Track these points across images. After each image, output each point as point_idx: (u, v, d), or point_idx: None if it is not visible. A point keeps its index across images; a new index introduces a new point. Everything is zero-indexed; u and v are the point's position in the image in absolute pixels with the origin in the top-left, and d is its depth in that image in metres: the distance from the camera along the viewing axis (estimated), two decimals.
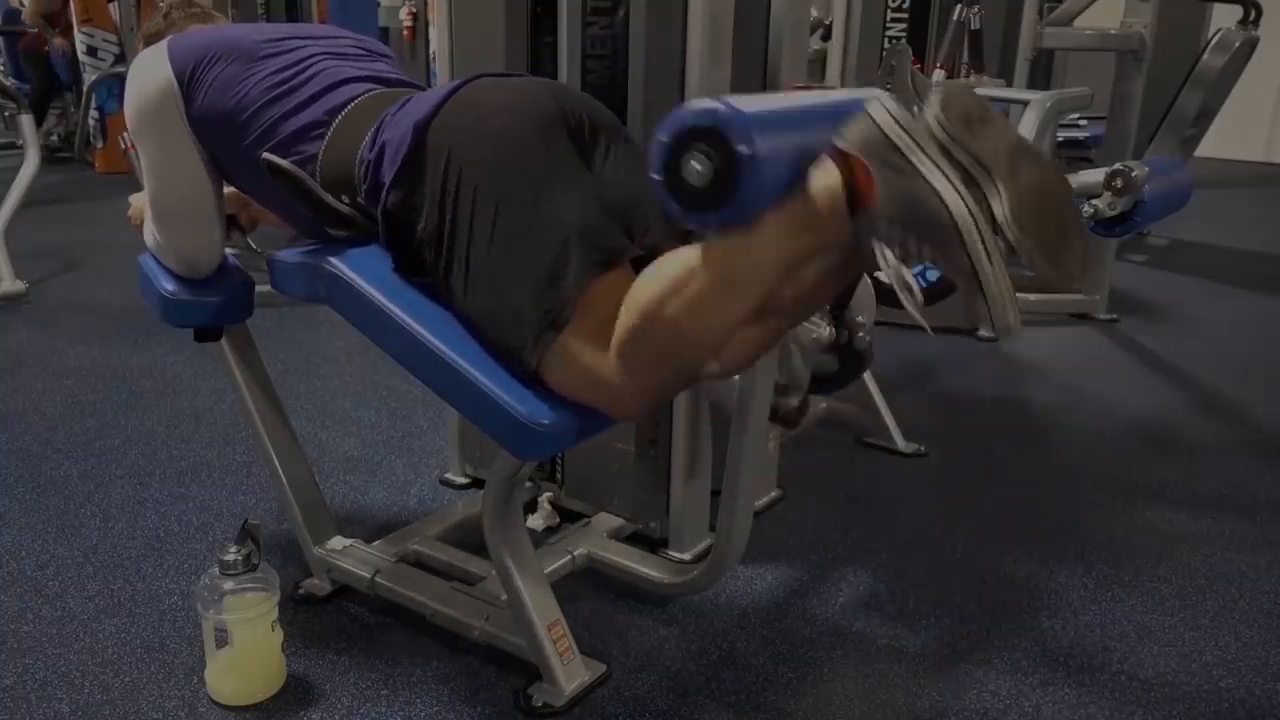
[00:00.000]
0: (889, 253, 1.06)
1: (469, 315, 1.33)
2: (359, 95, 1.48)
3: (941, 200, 1.01)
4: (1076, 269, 1.07)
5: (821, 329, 1.54)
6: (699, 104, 1.05)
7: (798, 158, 1.08)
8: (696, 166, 1.03)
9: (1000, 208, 1.02)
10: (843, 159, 1.06)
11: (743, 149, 1.02)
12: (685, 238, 1.39)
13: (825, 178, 1.07)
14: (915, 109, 1.07)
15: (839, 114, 1.10)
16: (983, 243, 1.01)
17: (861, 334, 1.58)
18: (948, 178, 1.01)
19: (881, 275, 1.09)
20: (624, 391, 1.24)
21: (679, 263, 1.16)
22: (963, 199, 1.01)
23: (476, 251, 1.29)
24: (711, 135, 1.02)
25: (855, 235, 1.07)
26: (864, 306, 1.69)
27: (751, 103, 1.07)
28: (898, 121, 1.04)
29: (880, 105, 1.05)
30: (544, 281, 1.25)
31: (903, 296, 1.08)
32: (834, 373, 1.70)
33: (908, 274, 1.07)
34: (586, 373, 1.25)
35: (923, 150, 1.03)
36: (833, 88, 1.39)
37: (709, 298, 1.14)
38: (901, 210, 1.03)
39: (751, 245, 1.11)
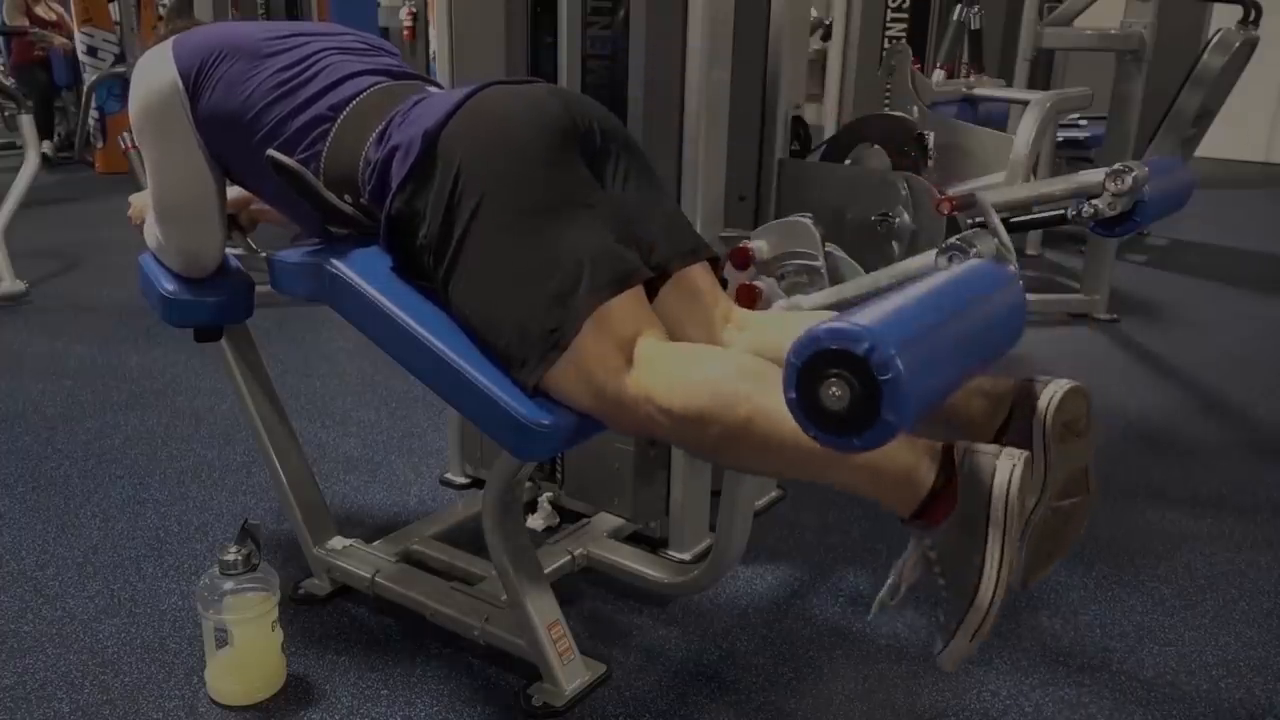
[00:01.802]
0: (914, 557, 1.17)
1: (469, 322, 1.32)
2: (365, 90, 1.47)
3: (979, 584, 1.09)
4: (1041, 577, 1.21)
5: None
6: (834, 325, 0.96)
7: (939, 377, 1.02)
8: (835, 393, 0.96)
9: (1037, 513, 1.14)
10: (946, 471, 1.12)
11: (885, 375, 0.93)
12: (694, 256, 1.40)
13: (924, 468, 1.13)
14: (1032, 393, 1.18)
15: (973, 305, 1.09)
16: (979, 628, 1.10)
17: None
18: (999, 569, 1.09)
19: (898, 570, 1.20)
20: (639, 423, 1.25)
21: (772, 417, 1.11)
22: (995, 594, 1.09)
23: (481, 263, 1.28)
24: (850, 360, 0.94)
25: (903, 523, 1.16)
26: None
27: (881, 317, 0.98)
28: (1007, 497, 1.09)
29: (1010, 462, 1.10)
30: (551, 299, 1.24)
31: (886, 588, 1.21)
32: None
33: (907, 583, 1.19)
34: (594, 391, 1.25)
35: (1004, 535, 1.09)
36: (966, 248, 1.32)
37: (773, 461, 1.18)
38: (946, 557, 1.12)
39: (831, 463, 1.12)
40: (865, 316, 0.96)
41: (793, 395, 0.98)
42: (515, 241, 1.27)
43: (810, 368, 0.96)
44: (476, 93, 1.35)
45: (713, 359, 1.25)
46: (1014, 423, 1.22)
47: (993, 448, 1.12)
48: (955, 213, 1.80)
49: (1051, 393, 1.17)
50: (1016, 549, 1.10)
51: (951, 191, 2.14)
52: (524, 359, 1.26)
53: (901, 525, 1.17)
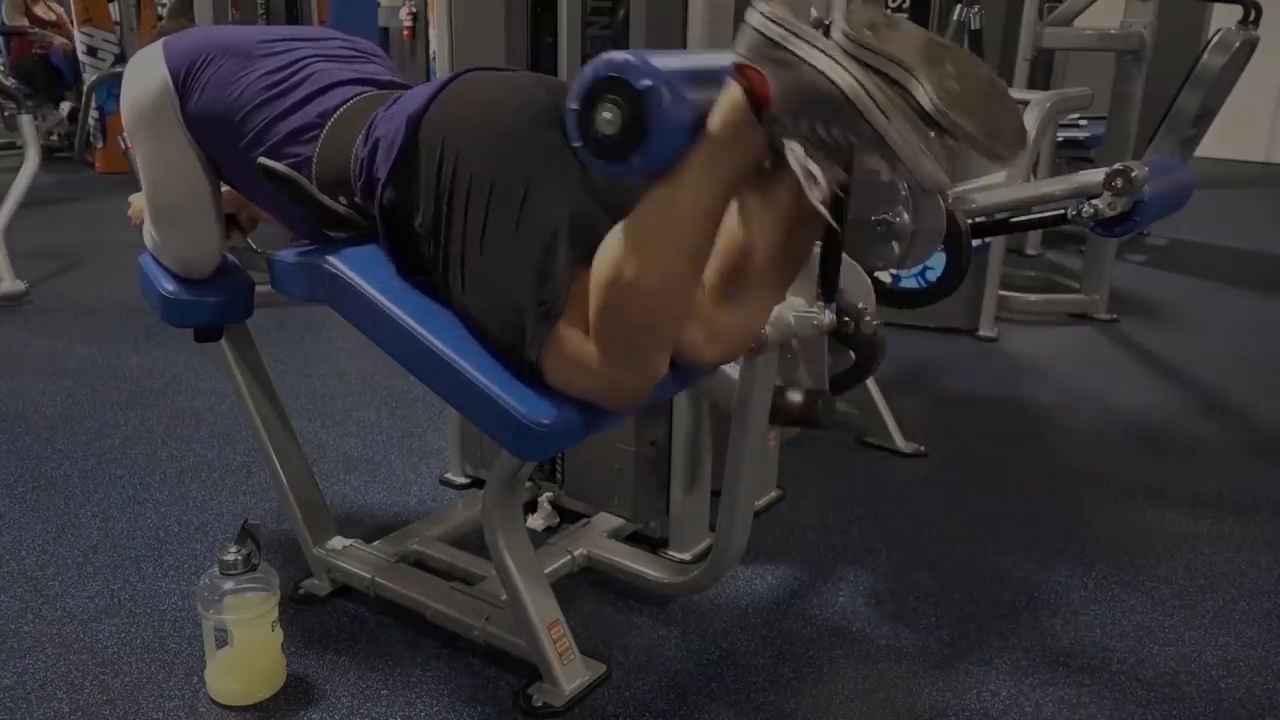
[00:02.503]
0: (797, 145, 1.09)
1: (469, 311, 1.33)
2: (350, 98, 1.48)
3: (828, 78, 1.05)
4: (1015, 138, 1.10)
5: (820, 315, 1.54)
6: (604, 56, 1.09)
7: (705, 95, 1.12)
8: (606, 115, 1.07)
9: (925, 97, 1.05)
10: (740, 73, 1.10)
11: (643, 83, 1.06)
12: None
13: (728, 95, 1.11)
14: (821, 21, 1.13)
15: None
16: (877, 106, 1.03)
17: (869, 318, 1.58)
18: (831, 56, 1.06)
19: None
20: (613, 377, 1.24)
21: (625, 225, 1.19)
22: (849, 71, 1.05)
23: (472, 245, 1.29)
24: (617, 84, 1.06)
25: (770, 141, 1.11)
26: (862, 294, 1.69)
27: (658, 54, 1.12)
28: (772, 19, 1.08)
29: (755, 11, 1.10)
30: (537, 273, 1.25)
31: (806, 186, 1.10)
32: (851, 369, 1.70)
33: (813, 166, 1.10)
34: (579, 363, 1.25)
35: (801, 39, 1.07)
36: None
37: (656, 247, 1.16)
38: (798, 100, 1.07)
39: (683, 183, 1.14)
40: (645, 56, 1.08)
41: (577, 142, 1.11)
42: (499, 220, 1.28)
43: (586, 96, 1.08)
44: (456, 78, 1.37)
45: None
46: None
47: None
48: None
49: (836, 20, 1.12)
50: (863, 65, 1.05)
51: (953, 195, 2.14)
52: (520, 338, 1.27)
53: (771, 145, 1.11)
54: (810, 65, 1.06)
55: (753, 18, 1.09)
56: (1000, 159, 1.09)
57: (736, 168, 1.15)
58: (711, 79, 1.13)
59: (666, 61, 1.11)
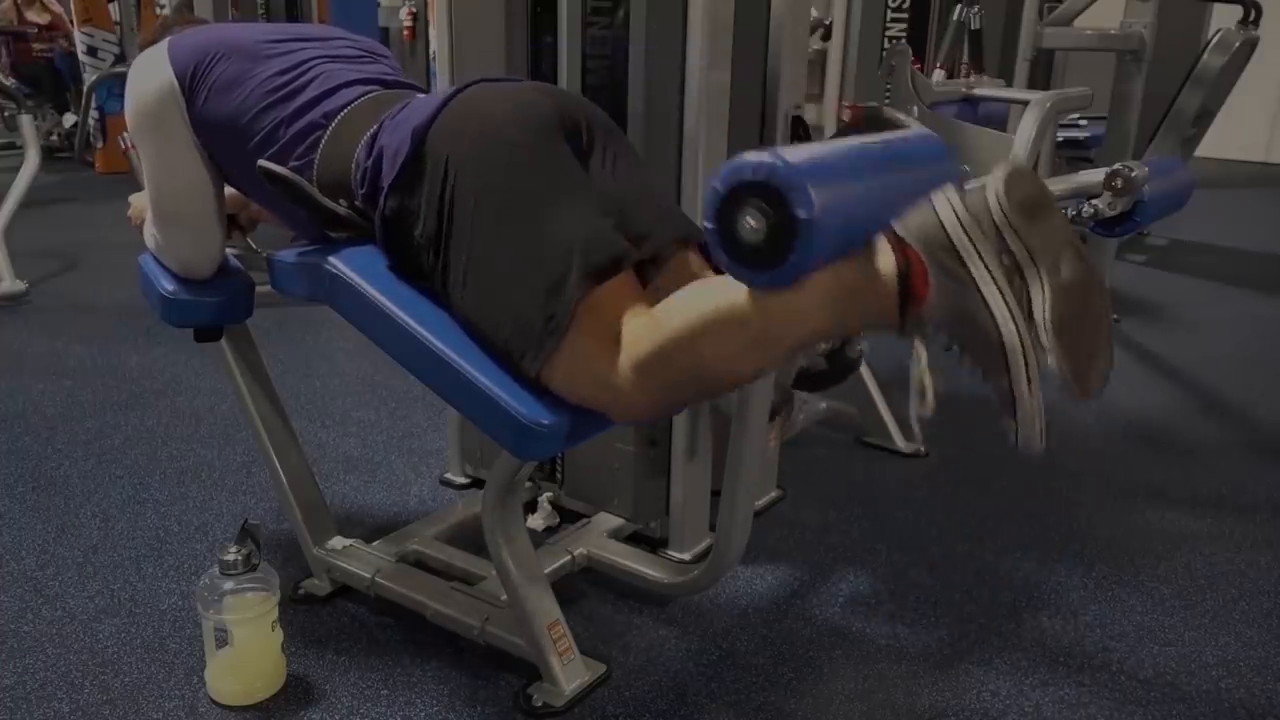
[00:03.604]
0: (924, 355, 1.07)
1: (468, 319, 1.33)
2: (355, 99, 1.48)
3: (994, 319, 1.01)
4: (1098, 381, 1.08)
5: None
6: (755, 157, 1.00)
7: (856, 225, 1.04)
8: (751, 223, 0.99)
9: (1040, 305, 1.02)
10: (901, 249, 1.04)
11: (800, 212, 0.96)
12: (685, 243, 1.40)
13: (882, 263, 1.05)
14: (974, 191, 1.05)
15: (895, 168, 1.06)
16: (1026, 371, 1.01)
17: (855, 342, 1.58)
18: (1002, 294, 1.01)
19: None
20: (635, 401, 1.25)
21: (720, 306, 1.14)
22: (1014, 318, 1.01)
23: (476, 258, 1.29)
24: (768, 192, 0.97)
25: (901, 328, 1.07)
26: None
27: (809, 157, 1.02)
28: (961, 222, 1.02)
29: (945, 199, 1.03)
30: (546, 289, 1.24)
31: (913, 400, 1.09)
32: (821, 373, 1.70)
33: (930, 383, 1.09)
34: (593, 378, 1.25)
35: (982, 258, 1.02)
36: (894, 119, 1.33)
37: (746, 347, 1.15)
38: (953, 320, 1.03)
39: (798, 308, 1.09)
40: (792, 154, 0.98)
41: (710, 225, 1.01)
42: (507, 233, 1.28)
43: (731, 196, 0.98)
44: (462, 90, 1.36)
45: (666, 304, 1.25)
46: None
47: (923, 202, 1.06)
48: (856, 125, 1.79)
49: (993, 180, 1.07)
50: (1006, 270, 1.02)
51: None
52: (524, 350, 1.27)
53: (902, 335, 1.08)
54: (981, 296, 1.01)
55: (941, 207, 1.03)
56: (1078, 397, 1.07)
57: (855, 320, 1.11)
58: (868, 216, 1.05)
59: (823, 174, 1.00)
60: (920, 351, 1.08)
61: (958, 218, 1.02)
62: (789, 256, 0.97)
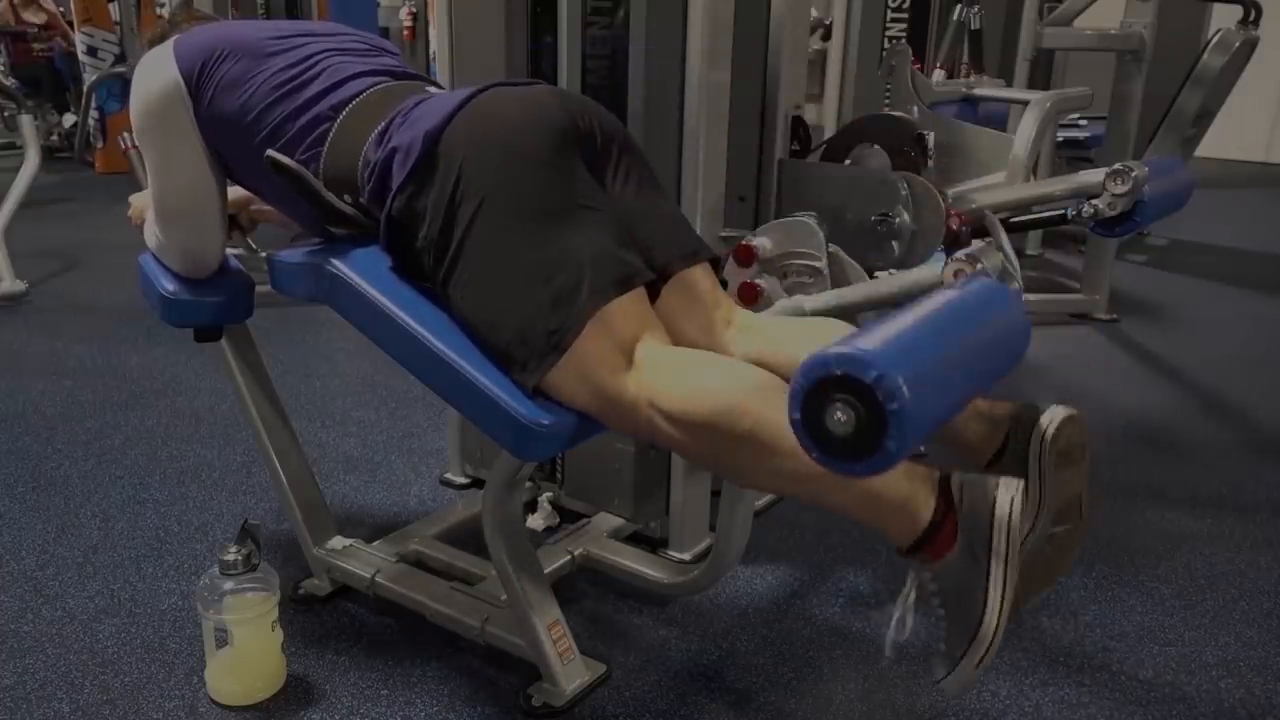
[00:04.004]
0: (913, 591, 1.17)
1: (469, 323, 1.32)
2: (364, 90, 1.47)
3: (984, 613, 1.11)
4: (1027, 607, 1.23)
5: None
6: (838, 350, 0.95)
7: (943, 406, 1.03)
8: (840, 417, 0.95)
9: (1032, 540, 1.15)
10: (945, 504, 1.12)
11: (891, 405, 0.93)
12: (694, 258, 1.40)
13: (923, 499, 1.13)
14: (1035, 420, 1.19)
15: (974, 331, 1.08)
16: (984, 657, 1.12)
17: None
18: (1004, 596, 1.10)
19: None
20: (639, 426, 1.25)
21: (772, 423, 1.12)
22: (999, 619, 1.11)
23: (482, 265, 1.28)
24: (855, 386, 0.94)
25: (903, 556, 1.15)
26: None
27: (886, 340, 0.98)
28: (1009, 524, 1.10)
29: (1009, 493, 1.10)
30: (552, 301, 1.24)
31: (893, 626, 1.20)
32: None
33: (912, 616, 1.19)
34: (596, 393, 1.25)
35: (1006, 562, 1.10)
36: (970, 265, 1.31)
37: (772, 474, 1.19)
38: (950, 587, 1.12)
39: (834, 484, 1.12)
40: (873, 341, 0.95)
41: (796, 416, 0.98)
42: (516, 243, 1.27)
43: (817, 391, 0.96)
44: (478, 94, 1.35)
45: (718, 368, 1.25)
46: (1010, 447, 1.24)
47: (991, 477, 1.13)
48: (963, 227, 1.81)
49: (1049, 419, 1.19)
50: (1017, 578, 1.11)
51: (953, 194, 2.14)
52: (524, 360, 1.26)
53: (899, 557, 1.17)
54: (986, 591, 1.11)
55: (1001, 501, 1.11)
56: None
57: (867, 518, 1.17)
58: (953, 405, 1.07)
59: (910, 365, 0.96)
60: (911, 588, 1.18)
61: (1009, 522, 1.10)
62: (884, 446, 0.94)
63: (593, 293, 1.24)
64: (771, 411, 1.11)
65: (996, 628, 1.10)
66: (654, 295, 1.36)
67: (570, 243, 1.26)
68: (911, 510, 1.13)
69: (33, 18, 7.23)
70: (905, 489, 1.13)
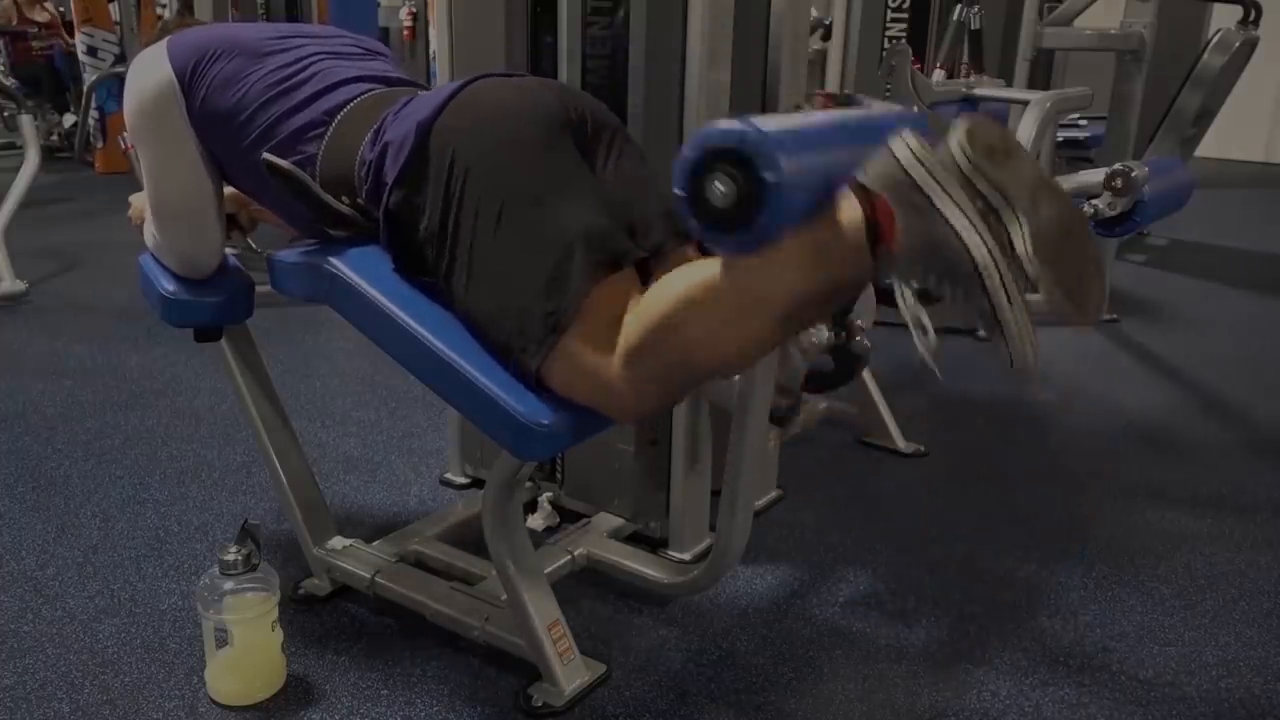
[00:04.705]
0: (908, 292, 1.06)
1: (471, 315, 1.33)
2: (358, 96, 1.48)
3: (963, 243, 1.01)
4: (1094, 305, 1.07)
5: (820, 331, 1.54)
6: (726, 124, 1.03)
7: (821, 185, 1.07)
8: (720, 188, 1.02)
9: (1020, 240, 1.03)
10: (864, 195, 1.06)
11: (768, 175, 1.00)
12: (687, 239, 1.40)
13: (847, 213, 1.06)
14: (939, 143, 1.06)
15: (865, 137, 1.08)
16: (1004, 286, 1.01)
17: (860, 338, 1.58)
18: (969, 219, 1.01)
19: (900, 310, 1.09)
20: (627, 396, 1.25)
21: (696, 282, 1.16)
22: (984, 241, 1.01)
23: (479, 252, 1.29)
24: (737, 158, 1.01)
25: (877, 271, 1.07)
26: (864, 309, 1.69)
27: (777, 124, 1.05)
28: (919, 158, 1.03)
29: (902, 141, 1.04)
30: (548, 284, 1.25)
31: (916, 336, 1.08)
32: (829, 374, 1.70)
33: (924, 315, 1.07)
34: (590, 375, 1.25)
35: (944, 189, 1.02)
36: (859, 101, 1.37)
37: (726, 321, 1.15)
38: (923, 252, 1.03)
39: (771, 271, 1.10)
40: (760, 122, 1.01)
41: (682, 188, 1.04)
42: (510, 228, 1.28)
43: (702, 161, 1.02)
44: (467, 84, 1.36)
45: (649, 292, 1.25)
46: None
47: (882, 147, 1.06)
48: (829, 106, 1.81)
49: (957, 131, 1.07)
50: (969, 196, 1.02)
51: None
52: (525, 345, 1.27)
53: (881, 279, 1.09)
54: (947, 223, 1.01)
55: (898, 149, 1.04)
56: (1075, 323, 1.06)
57: (833, 280, 1.11)
58: (833, 176, 1.08)
59: (790, 141, 1.04)
60: (904, 291, 1.08)
61: (914, 155, 1.03)
62: (757, 220, 1.01)
63: (585, 273, 1.25)
64: (692, 274, 1.16)
65: (989, 250, 0.99)
66: (647, 277, 1.36)
67: (562, 224, 1.27)
68: (844, 229, 1.06)
69: (37, 16, 7.23)
70: (828, 224, 1.07)
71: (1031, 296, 1.03)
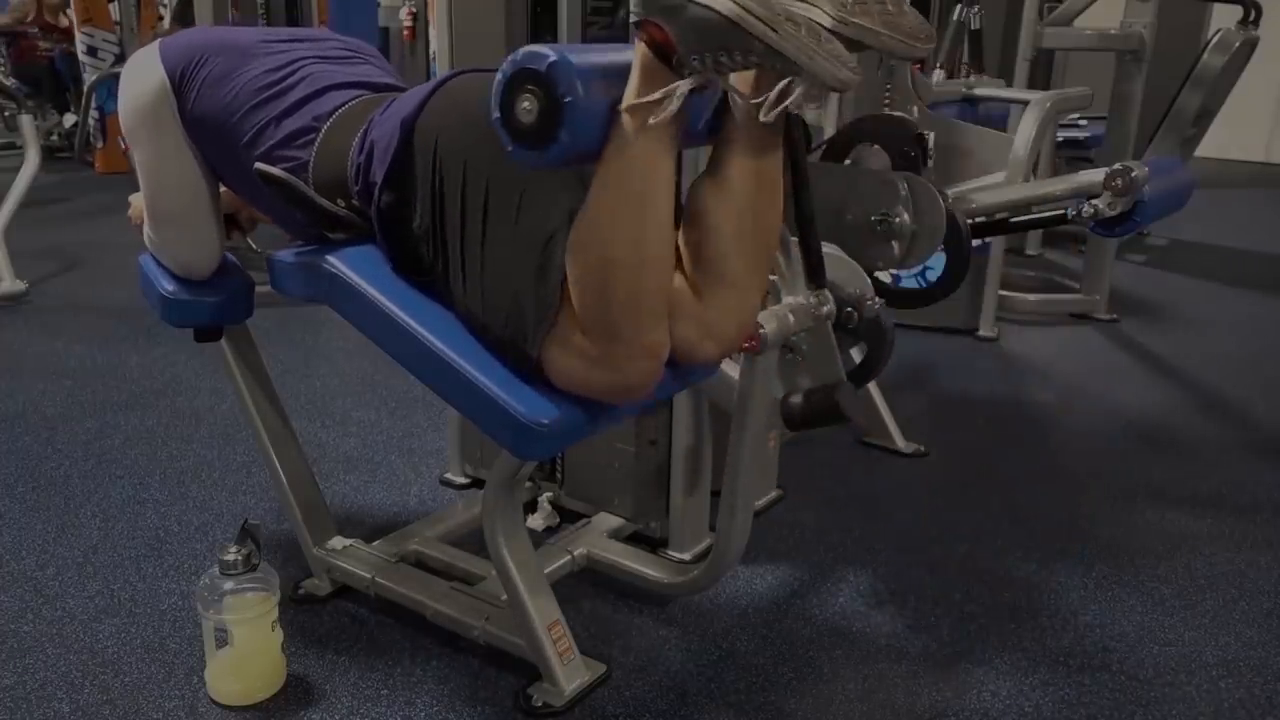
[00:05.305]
0: (721, 77, 1.14)
1: (468, 310, 1.33)
2: (346, 102, 1.48)
3: (709, 7, 1.09)
4: (921, 31, 1.15)
5: (819, 305, 1.53)
6: (529, 49, 1.15)
7: (616, 91, 1.16)
8: (525, 105, 1.14)
9: (824, 14, 1.11)
10: (641, 29, 1.14)
11: (565, 96, 1.12)
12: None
13: (636, 54, 1.15)
14: None
15: None
16: (761, 20, 1.08)
17: (869, 302, 1.58)
18: None
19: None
20: (609, 365, 1.24)
21: (585, 208, 1.21)
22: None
23: (471, 244, 1.29)
24: (528, 74, 1.13)
25: (681, 77, 1.14)
26: (859, 284, 1.69)
27: (581, 51, 1.17)
28: None
29: None
30: (537, 272, 1.25)
31: (738, 102, 1.18)
32: (865, 357, 1.69)
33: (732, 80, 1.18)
34: (579, 355, 1.25)
35: None
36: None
37: (619, 218, 1.19)
38: (695, 38, 1.10)
39: (617, 148, 1.17)
40: (565, 49, 1.15)
41: (497, 115, 1.16)
42: (495, 219, 1.28)
43: (512, 82, 1.14)
44: (448, 80, 1.37)
45: None
46: None
47: None
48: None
49: None
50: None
51: (953, 194, 2.14)
52: (522, 334, 1.27)
53: (686, 81, 1.14)
54: (695, 3, 1.10)
55: None
56: (913, 51, 1.14)
57: (667, 120, 1.16)
58: (620, 65, 1.17)
59: (580, 53, 1.16)
60: (718, 76, 1.15)
61: None
62: (559, 136, 1.13)
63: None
64: (596, 201, 1.21)
65: (735, 3, 1.07)
66: None
67: (545, 212, 1.27)
68: (637, 64, 1.15)
69: (60, 22, 7.21)
70: (630, 84, 1.16)
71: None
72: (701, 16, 1.09)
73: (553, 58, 1.12)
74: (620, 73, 1.17)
